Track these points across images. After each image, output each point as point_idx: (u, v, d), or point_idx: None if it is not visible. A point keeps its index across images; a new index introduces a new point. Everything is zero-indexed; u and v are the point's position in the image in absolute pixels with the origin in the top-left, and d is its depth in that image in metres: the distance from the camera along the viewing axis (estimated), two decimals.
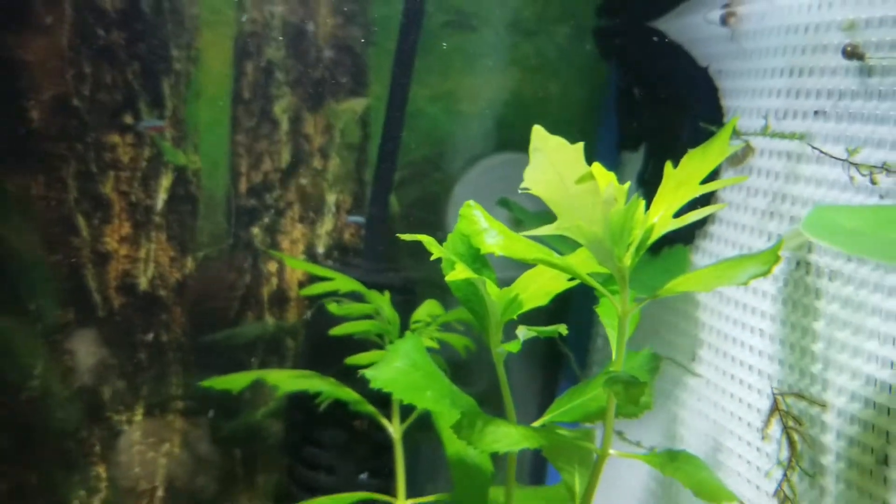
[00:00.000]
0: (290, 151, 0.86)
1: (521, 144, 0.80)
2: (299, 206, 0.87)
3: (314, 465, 0.79)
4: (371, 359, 0.72)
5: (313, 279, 0.84)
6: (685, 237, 0.64)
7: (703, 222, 0.63)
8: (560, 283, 0.57)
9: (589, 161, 0.45)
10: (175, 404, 0.85)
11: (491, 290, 0.58)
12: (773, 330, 0.55)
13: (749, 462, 0.57)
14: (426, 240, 0.56)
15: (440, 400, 0.60)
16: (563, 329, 0.56)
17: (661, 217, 0.47)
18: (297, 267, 0.77)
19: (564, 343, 0.82)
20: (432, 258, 0.57)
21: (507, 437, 0.57)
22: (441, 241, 0.85)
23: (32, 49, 0.78)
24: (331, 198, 0.87)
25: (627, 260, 0.48)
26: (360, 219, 0.87)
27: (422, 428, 0.75)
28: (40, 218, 0.80)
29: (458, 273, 0.55)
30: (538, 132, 0.44)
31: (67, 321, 0.81)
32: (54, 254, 0.81)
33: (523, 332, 0.55)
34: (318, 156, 0.87)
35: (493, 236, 0.50)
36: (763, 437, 0.54)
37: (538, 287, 0.58)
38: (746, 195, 0.59)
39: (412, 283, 0.81)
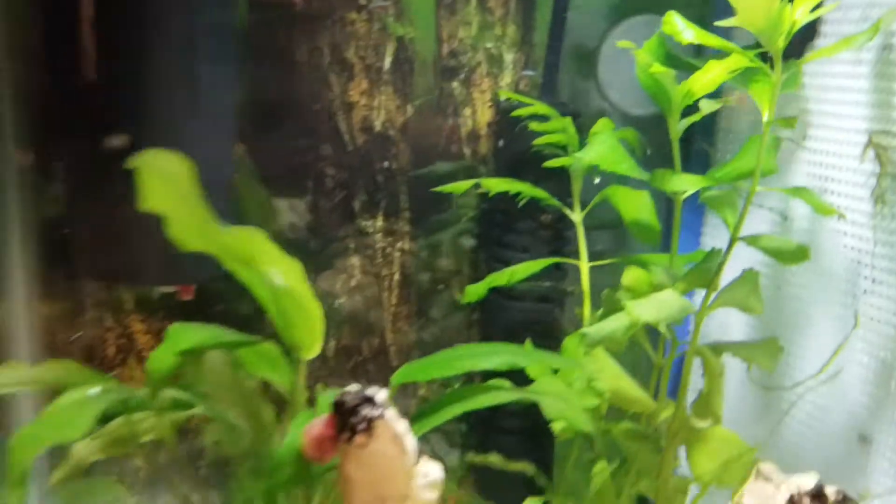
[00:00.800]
0: (478, 22, 1.14)
1: (652, 8, 1.07)
2: (486, 65, 1.15)
3: (512, 246, 1.09)
4: (562, 162, 1.01)
5: (501, 118, 1.13)
6: (798, 52, 0.91)
7: (811, 37, 0.90)
8: (722, 76, 0.85)
9: None
10: (404, 214, 1.15)
11: (673, 83, 0.86)
12: (865, 99, 0.83)
13: (849, 196, 0.85)
14: (628, 45, 0.84)
15: (633, 169, 0.89)
16: (730, 100, 0.85)
17: (800, 13, 0.75)
18: (511, 97, 1.05)
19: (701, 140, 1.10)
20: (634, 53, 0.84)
21: (688, 181, 0.86)
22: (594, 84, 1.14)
23: None
24: (508, 57, 1.15)
25: (781, 43, 0.75)
26: (532, 72, 1.15)
27: None
28: (305, 77, 1.09)
29: (655, 69, 0.83)
30: None
31: (329, 154, 1.11)
32: (315, 104, 1.10)
33: (707, 104, 0.84)
34: (499, 24, 1.14)
35: (690, 33, 0.77)
36: (861, 161, 0.82)
37: (705, 82, 0.85)
38: (843, 12, 0.86)
39: (580, 113, 1.09)
